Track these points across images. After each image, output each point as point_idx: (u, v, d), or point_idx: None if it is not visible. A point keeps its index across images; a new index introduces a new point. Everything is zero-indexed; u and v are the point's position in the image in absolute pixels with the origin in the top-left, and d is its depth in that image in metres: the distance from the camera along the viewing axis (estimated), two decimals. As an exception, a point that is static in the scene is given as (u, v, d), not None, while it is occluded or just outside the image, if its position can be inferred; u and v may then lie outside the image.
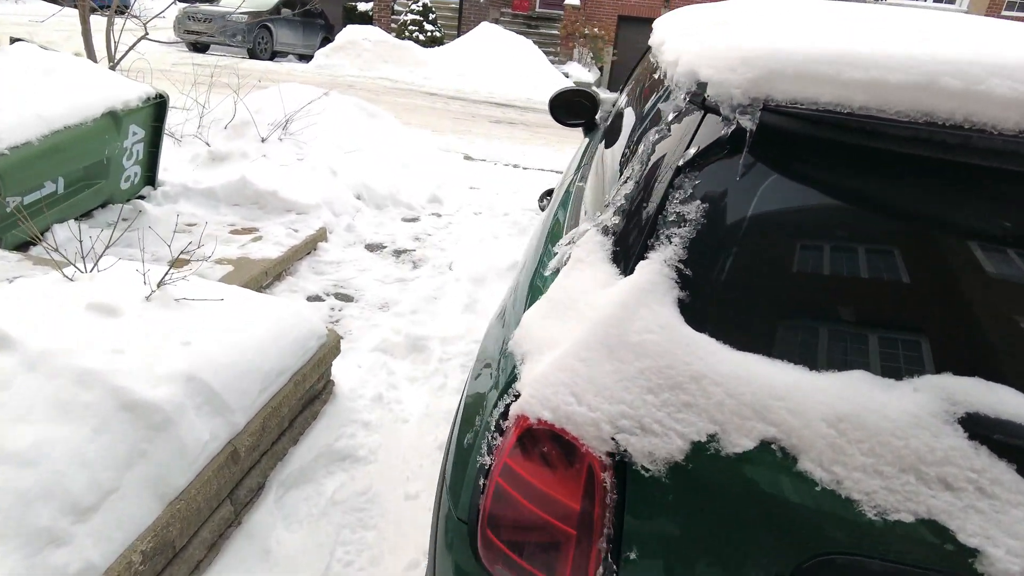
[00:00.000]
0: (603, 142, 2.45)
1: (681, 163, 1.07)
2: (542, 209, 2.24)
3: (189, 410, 1.64)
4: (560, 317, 1.10)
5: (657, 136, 1.20)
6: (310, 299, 3.26)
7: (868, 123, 0.92)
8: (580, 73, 14.62)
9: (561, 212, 1.85)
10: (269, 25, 12.40)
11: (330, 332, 2.38)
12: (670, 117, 1.19)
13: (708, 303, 1.00)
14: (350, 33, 12.28)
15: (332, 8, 14.78)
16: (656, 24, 2.09)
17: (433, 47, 13.20)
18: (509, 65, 12.42)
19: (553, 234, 1.69)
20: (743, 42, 1.06)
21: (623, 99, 2.82)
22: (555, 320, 1.11)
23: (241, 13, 11.70)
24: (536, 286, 1.48)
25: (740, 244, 1.00)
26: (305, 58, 13.63)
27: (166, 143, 3.98)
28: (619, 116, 2.46)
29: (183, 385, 1.65)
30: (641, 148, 1.25)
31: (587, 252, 1.17)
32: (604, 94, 3.07)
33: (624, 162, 1.60)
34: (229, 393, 1.76)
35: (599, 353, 0.99)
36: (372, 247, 4.00)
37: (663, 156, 1.16)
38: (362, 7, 14.99)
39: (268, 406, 1.95)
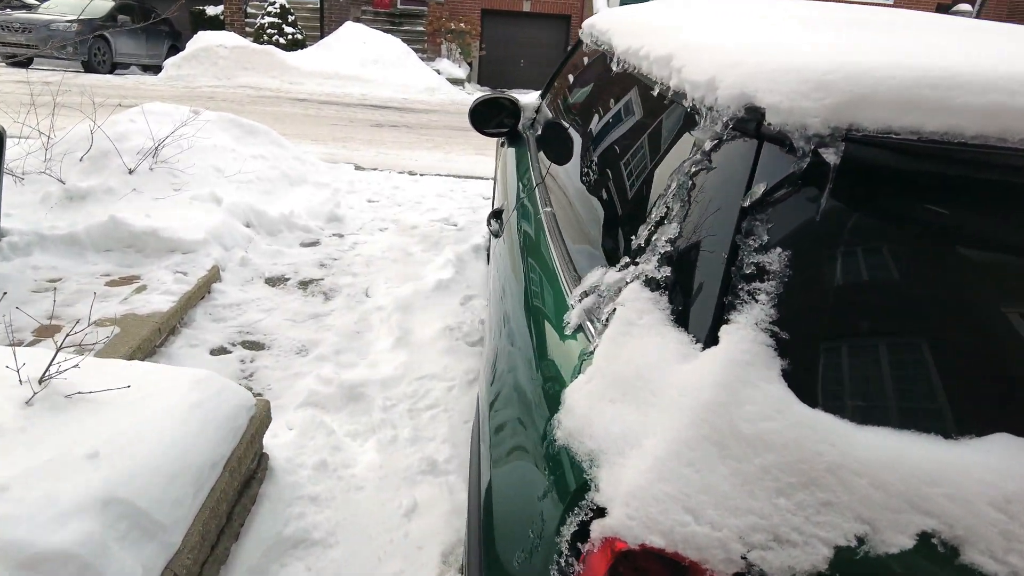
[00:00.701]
0: (543, 153, 2.25)
1: (747, 203, 0.89)
2: (495, 234, 2.01)
3: (112, 544, 1.28)
4: (631, 400, 0.89)
5: (693, 168, 1.02)
6: (215, 353, 2.84)
7: (985, 154, 0.80)
8: (451, 69, 14.39)
9: (533, 237, 1.63)
10: (105, 34, 11.15)
11: (259, 401, 2.03)
12: (707, 146, 1.01)
13: (817, 371, 0.83)
14: (202, 40, 11.32)
15: (178, 14, 13.58)
16: (605, 23, 1.92)
17: (296, 50, 12.46)
18: (380, 65, 11.96)
19: (537, 265, 1.47)
20: (811, 60, 0.89)
21: (550, 105, 2.64)
22: (625, 405, 0.90)
23: (68, 21, 10.44)
24: (544, 328, 1.27)
25: (841, 297, 0.84)
26: (151, 69, 12.43)
27: (5, 182, 3.35)
28: (559, 128, 2.27)
29: (99, 514, 1.29)
30: (670, 182, 1.06)
31: (638, 312, 0.97)
32: (524, 98, 2.88)
33: (604, 186, 1.41)
34: (160, 507, 1.41)
35: (708, 452, 0.79)
36: (274, 281, 3.58)
37: (710, 193, 0.98)
38: (211, 11, 13.89)
39: (205, 508, 1.60)
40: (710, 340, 0.87)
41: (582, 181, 1.55)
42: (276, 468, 2.11)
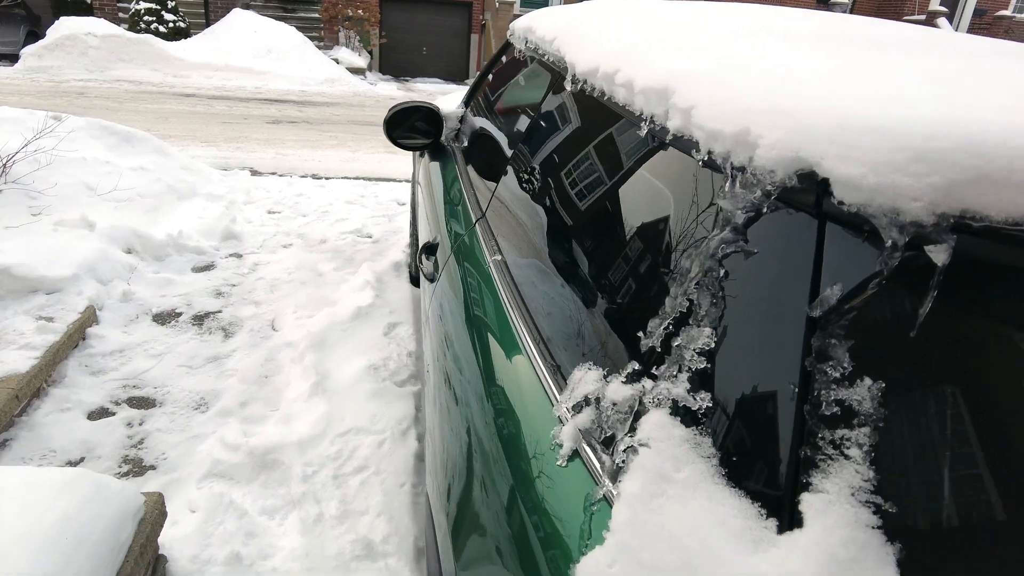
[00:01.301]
0: (479, 177, 1.96)
1: (817, 313, 0.65)
2: (429, 278, 1.71)
3: None
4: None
5: (723, 249, 0.77)
6: (94, 417, 2.39)
7: None
8: (351, 58, 13.71)
9: (488, 302, 1.34)
10: (-53, 21, 9.80)
11: (149, 498, 1.65)
12: (740, 220, 0.76)
13: (943, 560, 0.60)
14: (67, 27, 10.16)
15: (35, -4, 12.18)
16: (548, 29, 1.64)
17: (179, 40, 11.45)
18: (274, 55, 11.19)
19: (496, 342, 1.19)
20: (896, 114, 0.65)
21: (480, 117, 2.35)
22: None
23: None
24: (521, 444, 0.99)
25: (965, 453, 0.62)
26: (6, 59, 11.08)
27: None
28: (498, 150, 1.99)
29: None
30: (689, 263, 0.81)
31: (673, 461, 0.71)
32: (444, 106, 2.57)
33: (580, 243, 1.13)
34: None
35: None
36: (163, 317, 3.12)
37: (754, 288, 0.73)
38: (76, -6, 12.56)
39: (76, 672, 1.23)
40: (788, 515, 0.63)
41: (547, 233, 1.28)
42: (177, 573, 1.73)
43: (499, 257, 1.42)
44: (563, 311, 1.11)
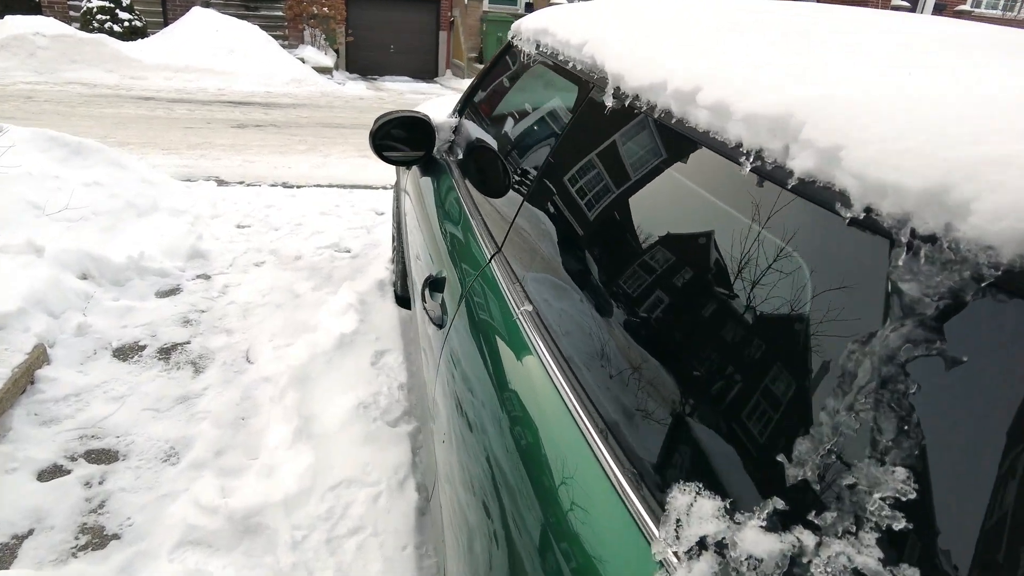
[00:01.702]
0: (486, 200, 1.72)
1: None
2: (436, 322, 1.47)
3: None
4: None
5: (908, 352, 0.55)
6: (45, 477, 2.10)
7: None
8: (316, 57, 13.30)
9: (518, 369, 1.10)
10: None
11: None
12: (930, 310, 0.54)
13: None
14: (14, 26, 9.61)
15: (-22, -5, 11.53)
16: (570, 32, 1.41)
17: (135, 39, 10.95)
18: (237, 55, 10.75)
19: (539, 433, 0.95)
20: None
21: (482, 129, 2.10)
22: None
23: None
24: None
25: None
26: (-50, 62, 10.45)
27: None
28: (505, 166, 1.75)
29: None
30: (848, 363, 0.59)
31: None
32: (434, 114, 2.32)
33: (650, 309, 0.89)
34: None
35: None
36: (125, 352, 2.81)
37: (963, 409, 0.52)
38: (23, -8, 11.92)
39: None
40: None
41: (600, 280, 1.04)
42: (144, 678, 1.47)
43: (529, 307, 1.18)
44: (630, 389, 0.87)
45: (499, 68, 2.15)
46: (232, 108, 8.64)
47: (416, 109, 2.31)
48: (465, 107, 2.34)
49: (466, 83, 13.99)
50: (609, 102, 1.14)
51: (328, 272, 3.67)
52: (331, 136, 7.45)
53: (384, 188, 5.51)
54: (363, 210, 4.81)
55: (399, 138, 2.27)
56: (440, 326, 1.49)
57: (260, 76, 10.52)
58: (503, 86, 2.11)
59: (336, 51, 14.39)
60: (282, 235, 4.20)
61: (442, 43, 15.71)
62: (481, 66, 15.45)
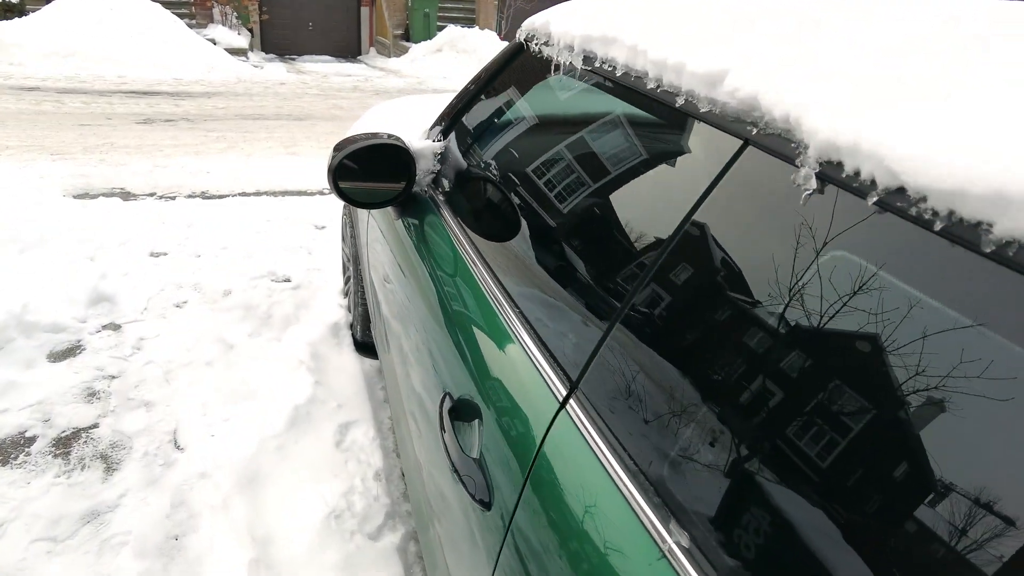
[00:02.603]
0: (524, 277, 1.21)
1: None
2: (471, 488, 0.93)
3: None
4: None
5: None
6: None
7: None
8: (229, 38, 12.21)
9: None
10: None
11: None
12: None
13: None
14: None
15: None
16: (618, 32, 0.91)
17: (10, 18, 9.63)
18: (138, 37, 9.62)
19: None
20: None
21: (480, 158, 1.58)
22: None
23: None
24: None
25: None
26: None
27: None
28: (532, 214, 1.24)
29: None
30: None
31: None
32: (410, 137, 1.78)
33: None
34: None
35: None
36: (5, 452, 2.16)
37: None
38: None
39: None
40: None
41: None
42: None
43: (685, 538, 0.69)
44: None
45: (503, 79, 1.62)
46: (136, 100, 7.65)
47: (383, 132, 1.75)
48: (452, 126, 1.80)
49: (394, 62, 13.18)
50: (810, 183, 0.66)
51: (266, 310, 3.06)
52: (253, 130, 6.66)
53: (322, 193, 4.86)
54: (299, 223, 4.17)
55: (371, 172, 1.73)
56: (487, 505, 0.98)
57: (166, 61, 9.46)
58: (514, 105, 1.59)
59: (250, 30, 13.28)
60: (206, 263, 3.53)
61: (364, 20, 14.78)
62: (407, 44, 14.61)
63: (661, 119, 0.98)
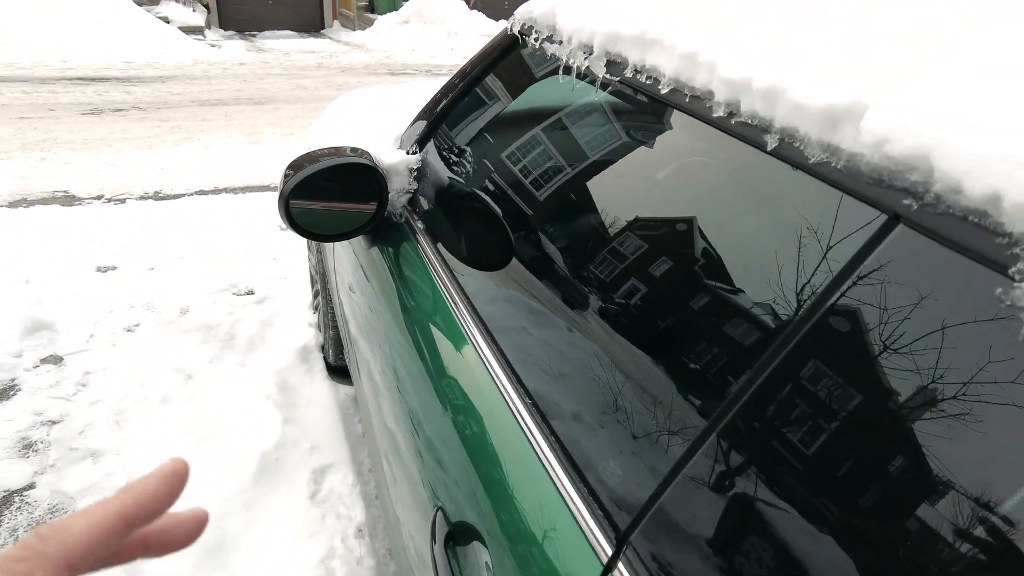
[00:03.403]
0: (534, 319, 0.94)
1: None
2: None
3: None
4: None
5: None
6: None
7: None
8: (182, 15, 11.57)
9: None
10: None
11: None
12: None
13: None
14: None
15: None
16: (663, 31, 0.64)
17: (-57, 3, 8.96)
18: (81, 18, 9.01)
19: None
20: None
21: (484, 178, 1.30)
22: None
23: None
24: None
25: None
26: None
27: None
28: (538, 249, 0.97)
29: None
30: None
31: None
32: (378, 149, 1.48)
33: None
34: None
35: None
36: (-74, 525, 1.86)
37: None
38: None
39: None
40: None
41: None
42: None
43: None
44: None
45: (491, 80, 1.33)
46: (82, 87, 7.14)
47: (346, 147, 1.45)
48: (429, 137, 1.50)
49: (359, 36, 12.62)
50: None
51: (228, 330, 2.75)
52: (211, 118, 6.23)
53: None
54: (262, 224, 3.84)
55: (333, 194, 1.43)
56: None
57: (115, 43, 8.87)
58: (508, 112, 1.30)
59: (206, 6, 12.60)
60: (160, 276, 3.20)
61: (327, -9, 14.12)
62: (373, 16, 14.00)
63: (740, 160, 0.70)
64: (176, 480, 0.30)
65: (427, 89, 2.70)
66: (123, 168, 4.69)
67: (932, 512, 0.43)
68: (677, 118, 0.79)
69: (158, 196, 4.25)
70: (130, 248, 3.44)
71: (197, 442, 2.15)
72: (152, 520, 0.30)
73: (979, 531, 0.41)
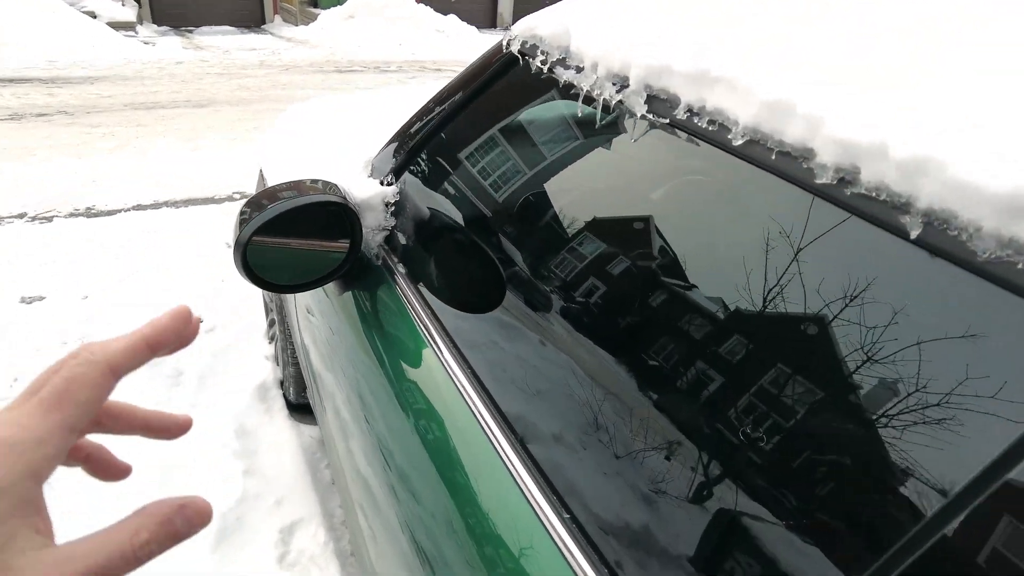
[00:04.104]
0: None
1: None
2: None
3: None
4: None
5: None
6: None
7: None
8: (110, 9, 10.94)
9: None
10: None
11: None
12: None
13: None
14: None
15: None
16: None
17: None
18: (-3, 16, 8.39)
19: None
20: None
21: (478, 218, 1.13)
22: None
23: None
24: None
25: None
26: None
27: None
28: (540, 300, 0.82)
29: None
30: None
31: None
32: (356, 185, 1.29)
33: None
34: None
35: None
36: None
37: None
38: None
39: None
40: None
41: None
42: None
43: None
44: None
45: (482, 102, 1.15)
46: (0, 91, 6.62)
47: (308, 180, 1.26)
48: (408, 165, 1.32)
49: (302, 31, 12.18)
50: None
51: (176, 366, 2.51)
52: (147, 122, 5.84)
53: (231, 199, 4.22)
54: (209, 241, 3.56)
55: (286, 233, 1.23)
56: None
57: (36, 41, 8.29)
58: (506, 140, 1.13)
59: (137, 1, 11.95)
60: (95, 306, 2.91)
61: (266, -17, 13.60)
62: (316, 10, 13.52)
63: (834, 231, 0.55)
64: (181, 320, 0.36)
65: (385, 100, 2.49)
66: (49, 181, 4.32)
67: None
68: (757, 177, 0.63)
69: (90, 212, 3.91)
70: (59, 274, 3.13)
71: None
72: (166, 349, 0.36)
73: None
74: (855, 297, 0.53)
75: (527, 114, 1.13)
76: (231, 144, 5.28)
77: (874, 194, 0.50)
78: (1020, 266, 0.41)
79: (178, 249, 3.45)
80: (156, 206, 4.07)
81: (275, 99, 6.82)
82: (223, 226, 3.73)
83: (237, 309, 2.88)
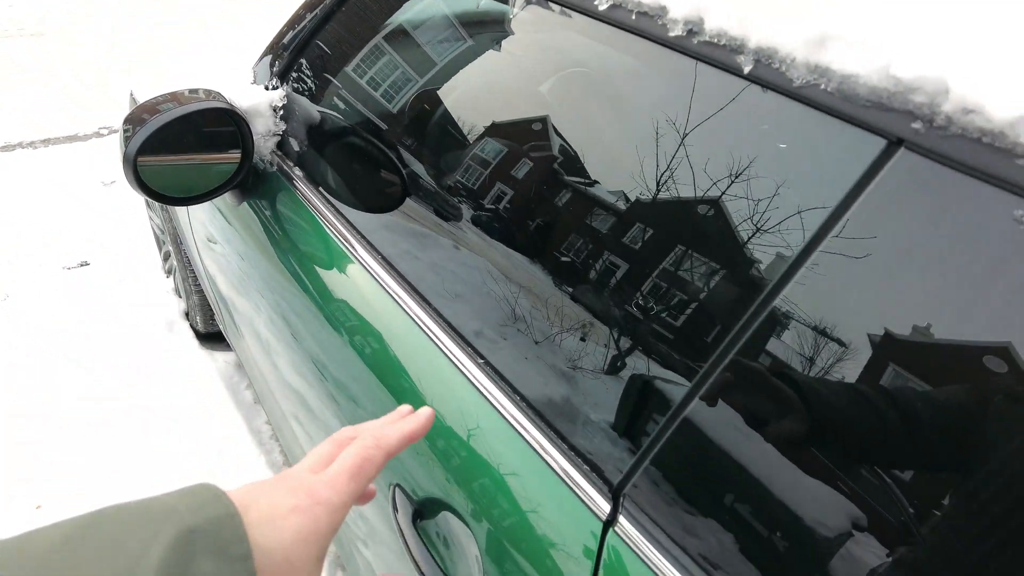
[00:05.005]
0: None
1: None
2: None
3: None
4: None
5: None
6: None
7: None
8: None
9: None
10: None
11: None
12: None
13: None
14: None
15: None
16: None
17: None
18: None
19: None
20: None
21: (365, 110, 1.15)
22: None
23: None
24: None
25: None
26: None
27: None
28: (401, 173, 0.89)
29: None
30: None
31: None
32: (240, 93, 1.27)
33: None
34: None
35: None
36: None
37: None
38: None
39: None
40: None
41: None
42: None
43: None
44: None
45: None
46: None
47: (188, 89, 1.23)
48: (293, 65, 1.30)
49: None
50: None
51: (65, 317, 2.39)
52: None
53: (98, 135, 3.89)
54: (81, 182, 3.31)
55: (174, 147, 1.21)
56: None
57: None
58: (386, 30, 1.15)
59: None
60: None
61: None
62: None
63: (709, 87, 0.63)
64: (429, 424, 0.45)
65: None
66: None
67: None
68: (616, 37, 0.70)
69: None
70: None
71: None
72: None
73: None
74: (733, 152, 0.62)
75: (410, 6, 1.14)
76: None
77: (716, 40, 0.58)
78: (823, 87, 0.51)
79: (44, 193, 3.20)
80: (10, 146, 3.70)
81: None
82: (91, 164, 3.46)
83: (125, 247, 2.75)
